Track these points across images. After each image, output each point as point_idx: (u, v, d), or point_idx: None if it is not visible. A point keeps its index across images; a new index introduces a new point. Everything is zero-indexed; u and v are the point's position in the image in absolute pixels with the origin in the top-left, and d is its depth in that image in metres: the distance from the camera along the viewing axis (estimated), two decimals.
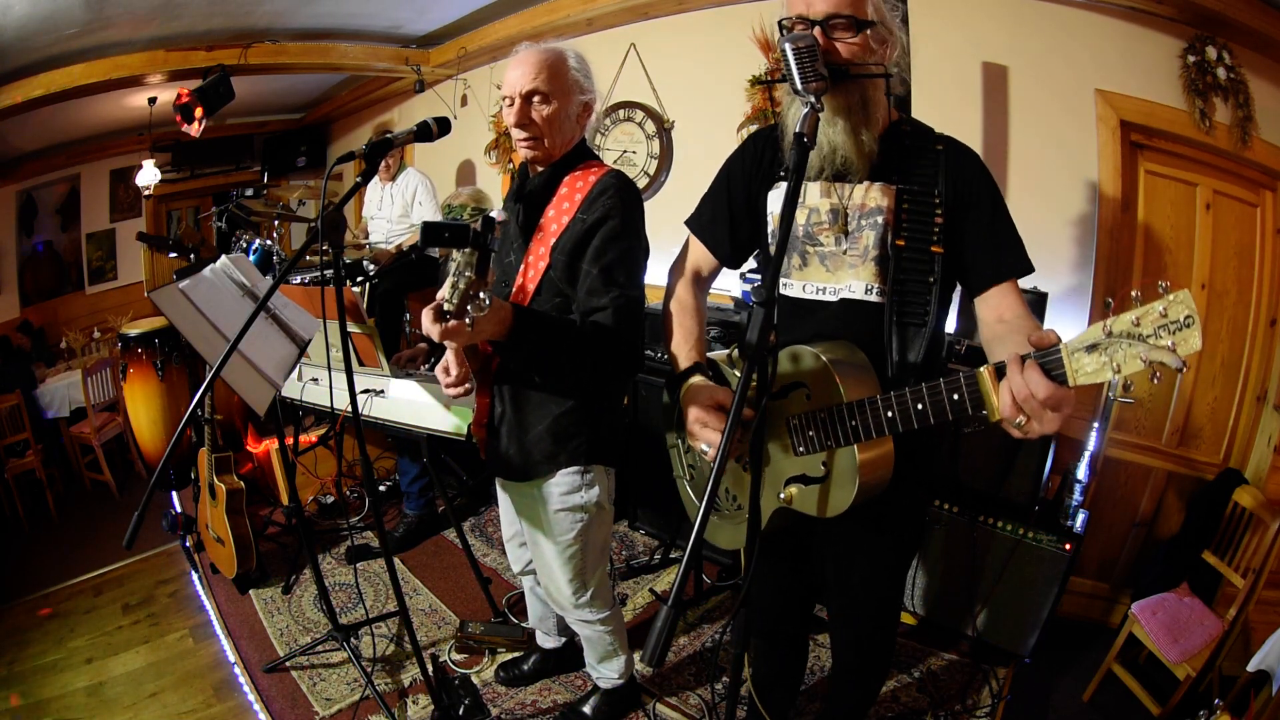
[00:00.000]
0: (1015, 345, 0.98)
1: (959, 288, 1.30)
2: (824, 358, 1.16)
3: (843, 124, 1.19)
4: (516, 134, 1.52)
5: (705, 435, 1.22)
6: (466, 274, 1.12)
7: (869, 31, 1.16)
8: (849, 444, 1.13)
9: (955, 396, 0.98)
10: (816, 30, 1.14)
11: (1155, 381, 0.80)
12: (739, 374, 1.05)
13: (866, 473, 1.14)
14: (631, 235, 1.49)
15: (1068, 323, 2.46)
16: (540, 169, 1.57)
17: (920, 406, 1.03)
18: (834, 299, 1.30)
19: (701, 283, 1.48)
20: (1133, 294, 0.81)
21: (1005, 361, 0.92)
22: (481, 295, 1.12)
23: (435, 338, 1.19)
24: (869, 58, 1.17)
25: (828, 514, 1.19)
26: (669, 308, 1.45)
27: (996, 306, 1.23)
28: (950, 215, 1.22)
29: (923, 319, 1.22)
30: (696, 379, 1.31)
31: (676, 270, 1.49)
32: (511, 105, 1.50)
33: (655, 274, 1.53)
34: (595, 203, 1.48)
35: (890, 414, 1.06)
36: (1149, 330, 0.79)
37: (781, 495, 1.25)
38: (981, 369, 0.95)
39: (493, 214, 1.18)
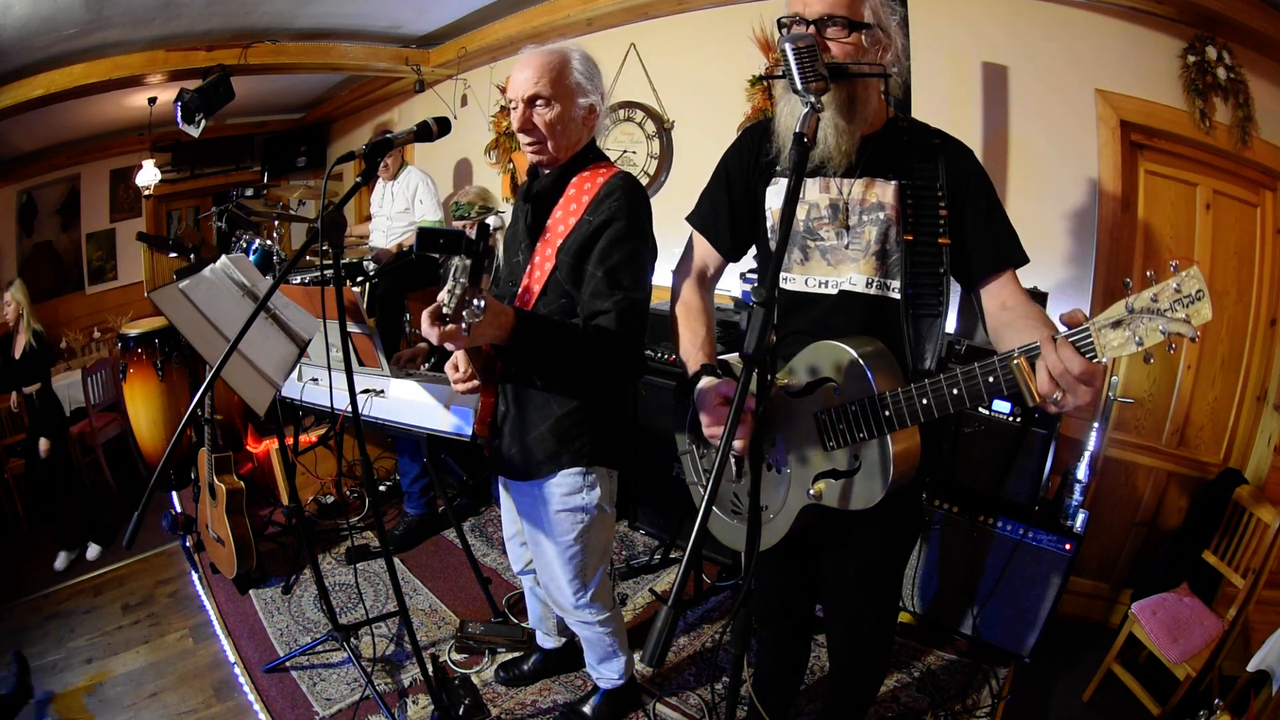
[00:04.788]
0: (1025, 329, 1.08)
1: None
2: (854, 351, 1.17)
3: (838, 121, 1.21)
4: (521, 138, 1.53)
5: (718, 434, 1.23)
6: (461, 280, 1.12)
7: (863, 33, 1.17)
8: (882, 435, 1.15)
9: (990, 379, 1.02)
10: (810, 29, 1.15)
11: (1171, 351, 0.87)
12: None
13: (899, 464, 1.16)
14: (638, 237, 1.49)
15: None
16: (548, 170, 1.58)
17: (956, 391, 1.05)
18: (833, 291, 1.31)
19: (706, 282, 1.49)
20: (1147, 273, 0.88)
21: (1038, 343, 0.97)
22: (476, 301, 1.13)
23: (434, 341, 1.20)
24: (861, 58, 1.18)
25: (860, 506, 1.21)
26: (676, 311, 1.45)
27: (999, 295, 1.27)
28: (951, 208, 1.25)
29: (937, 309, 1.26)
30: (705, 381, 1.32)
31: (682, 271, 1.49)
32: (516, 109, 1.50)
33: (661, 274, 1.53)
34: (602, 204, 1.48)
35: (925, 401, 1.09)
36: (1166, 305, 0.85)
37: (810, 491, 1.25)
38: (1016, 357, 0.99)
39: (489, 221, 1.19)
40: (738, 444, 1.21)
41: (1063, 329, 0.96)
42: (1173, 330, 0.85)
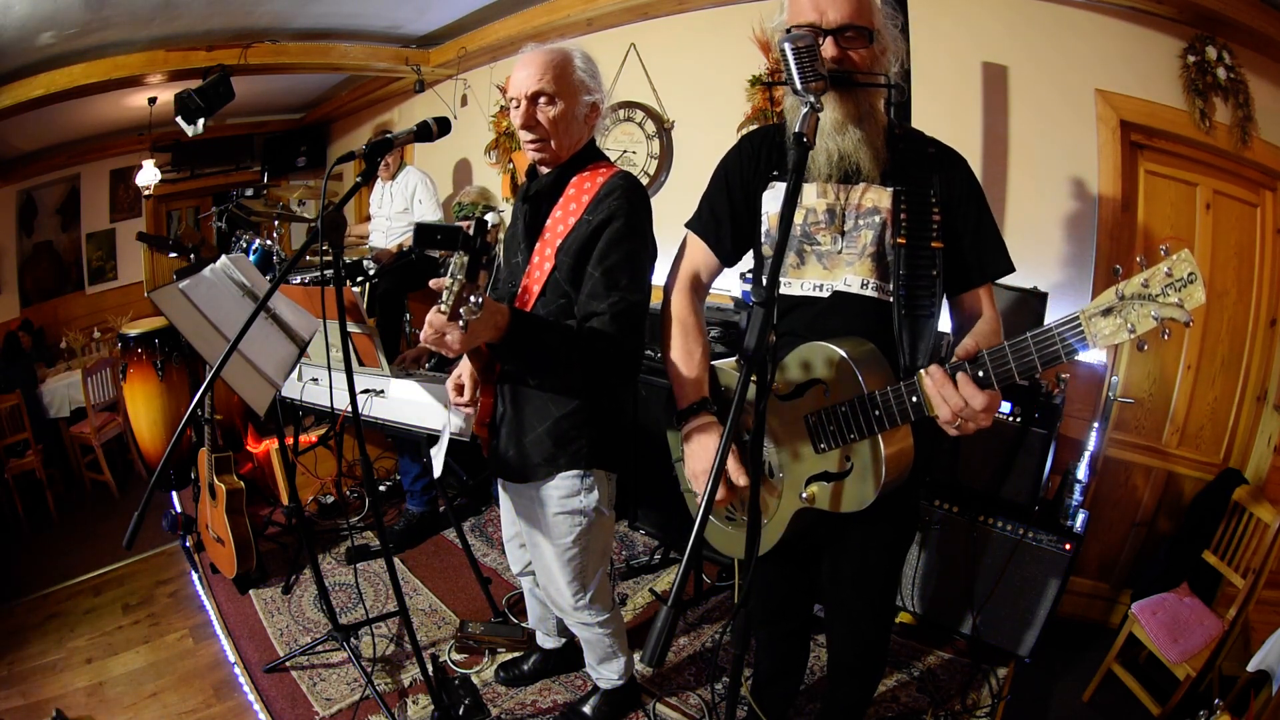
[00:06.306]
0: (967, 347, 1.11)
1: None
2: (841, 352, 1.17)
3: (854, 132, 1.22)
4: (523, 136, 1.51)
5: (702, 478, 1.27)
6: (459, 277, 1.12)
7: (876, 43, 1.19)
8: (872, 435, 1.15)
9: (980, 375, 1.03)
10: (829, 40, 1.16)
11: (1165, 338, 0.86)
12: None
13: (891, 465, 1.15)
14: (637, 237, 1.48)
15: None
16: (548, 170, 1.57)
17: None
18: (827, 294, 1.31)
19: (700, 290, 1.48)
20: (1137, 259, 0.87)
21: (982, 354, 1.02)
22: (474, 299, 1.12)
23: (430, 339, 1.19)
24: (874, 67, 1.20)
25: (852, 509, 1.21)
26: (668, 321, 1.44)
27: (970, 306, 1.31)
28: (944, 214, 1.26)
29: (930, 311, 1.27)
30: (700, 420, 1.33)
31: (675, 277, 1.48)
32: (518, 107, 1.49)
33: (660, 275, 1.53)
34: (602, 204, 1.47)
35: (915, 399, 1.09)
36: (1157, 290, 0.84)
37: (804, 495, 1.25)
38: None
39: (487, 217, 1.18)
40: (722, 492, 1.22)
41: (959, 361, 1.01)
42: (1165, 315, 0.83)
